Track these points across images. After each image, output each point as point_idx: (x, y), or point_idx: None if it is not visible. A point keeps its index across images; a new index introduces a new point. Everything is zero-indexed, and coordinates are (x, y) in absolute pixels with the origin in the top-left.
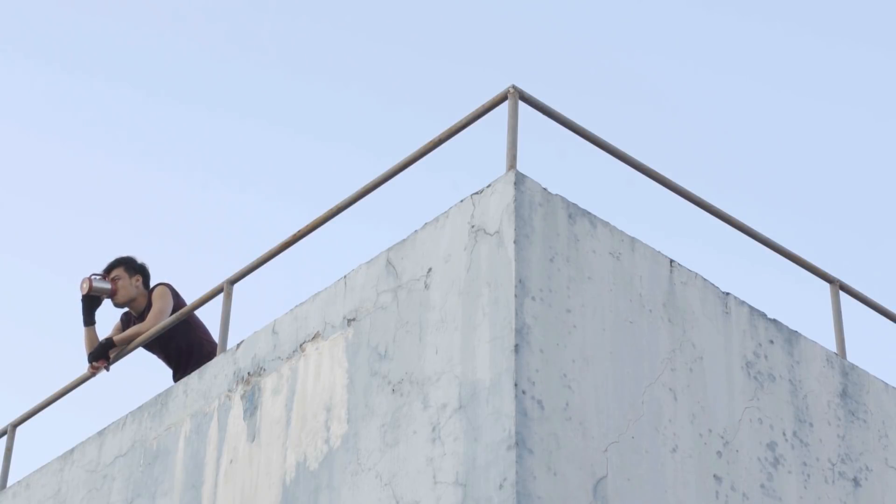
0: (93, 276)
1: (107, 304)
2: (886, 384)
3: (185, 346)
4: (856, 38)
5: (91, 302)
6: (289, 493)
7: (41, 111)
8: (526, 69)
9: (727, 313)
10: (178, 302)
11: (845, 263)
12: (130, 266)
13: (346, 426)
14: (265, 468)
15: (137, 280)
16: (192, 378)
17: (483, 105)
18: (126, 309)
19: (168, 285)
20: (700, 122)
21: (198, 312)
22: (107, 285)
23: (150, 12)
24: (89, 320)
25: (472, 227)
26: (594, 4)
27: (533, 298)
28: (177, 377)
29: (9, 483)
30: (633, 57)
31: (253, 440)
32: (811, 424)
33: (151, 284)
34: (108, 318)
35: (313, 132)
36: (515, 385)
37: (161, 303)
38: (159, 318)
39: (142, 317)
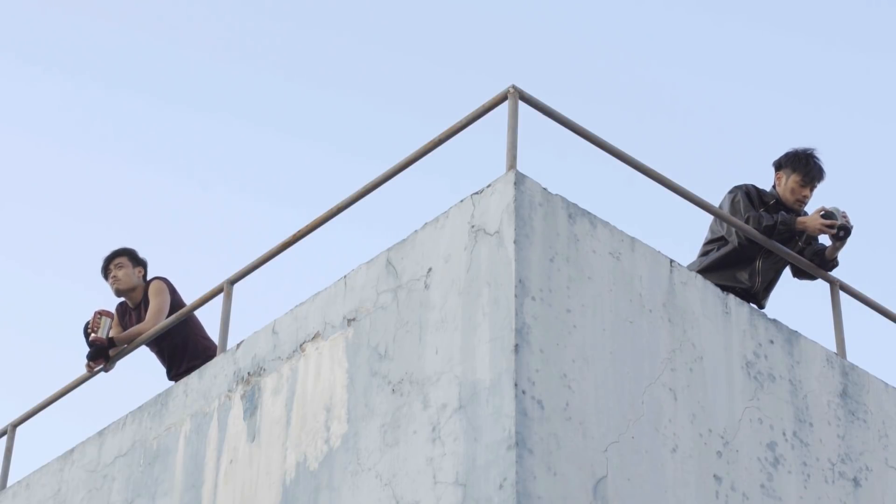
0: (99, 316)
1: (104, 299)
2: (886, 384)
3: (181, 343)
4: (854, 42)
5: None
6: (289, 493)
7: (41, 114)
8: (526, 69)
9: (727, 313)
10: (175, 298)
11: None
12: (133, 257)
13: (346, 426)
14: (265, 468)
15: (140, 271)
16: (192, 378)
17: (483, 105)
18: (122, 299)
19: (165, 280)
20: (700, 121)
21: (198, 312)
22: (105, 326)
23: (150, 16)
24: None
25: (472, 227)
26: (594, 5)
27: (533, 298)
28: (170, 374)
29: (9, 483)
30: (632, 57)
31: (253, 440)
32: (811, 424)
33: (148, 278)
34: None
35: (314, 133)
36: (515, 385)
37: (159, 300)
38: (159, 317)
39: (138, 308)
